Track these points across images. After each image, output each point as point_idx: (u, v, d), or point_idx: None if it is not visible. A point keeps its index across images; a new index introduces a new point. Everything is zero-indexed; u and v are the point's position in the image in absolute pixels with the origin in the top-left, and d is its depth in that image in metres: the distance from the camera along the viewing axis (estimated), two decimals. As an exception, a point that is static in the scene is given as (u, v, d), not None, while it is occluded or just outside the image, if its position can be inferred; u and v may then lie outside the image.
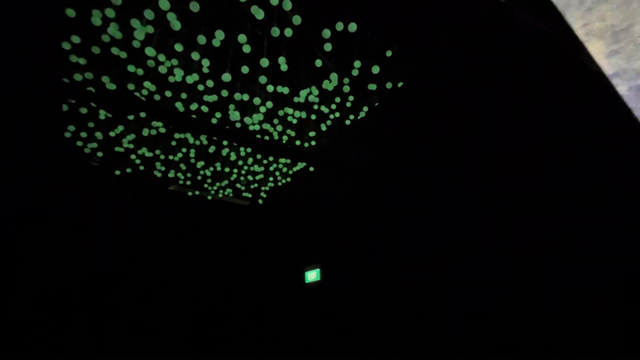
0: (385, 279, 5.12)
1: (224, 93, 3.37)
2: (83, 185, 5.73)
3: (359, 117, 4.84)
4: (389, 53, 3.71)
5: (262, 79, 3.05)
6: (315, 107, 4.58)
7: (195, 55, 2.85)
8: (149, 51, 2.80)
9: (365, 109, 4.65)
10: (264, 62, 2.76)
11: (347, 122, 4.90)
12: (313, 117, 4.63)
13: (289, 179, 6.18)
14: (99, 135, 4.51)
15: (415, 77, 4.36)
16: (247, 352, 6.29)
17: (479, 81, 4.12)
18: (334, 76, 3.13)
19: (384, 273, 5.19)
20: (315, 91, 3.84)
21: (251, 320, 6.67)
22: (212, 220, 6.99)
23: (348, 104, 4.60)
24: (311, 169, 5.71)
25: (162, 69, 3.04)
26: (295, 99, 4.18)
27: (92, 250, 5.81)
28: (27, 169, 5.08)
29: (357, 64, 3.31)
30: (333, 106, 4.58)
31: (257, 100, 3.03)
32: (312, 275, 5.87)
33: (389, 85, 4.03)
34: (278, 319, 6.75)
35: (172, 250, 6.55)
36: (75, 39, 3.13)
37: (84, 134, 4.56)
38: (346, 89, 3.76)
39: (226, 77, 2.79)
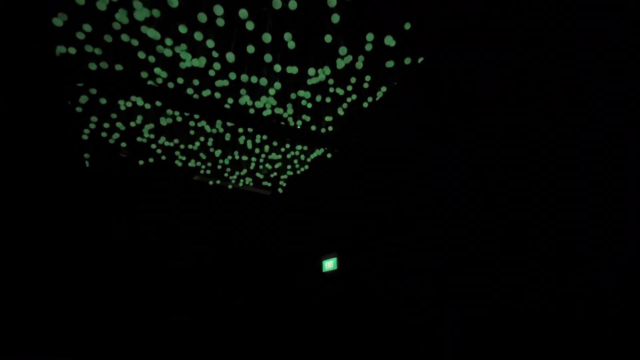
0: (405, 268, 4.88)
1: (232, 76, 3.27)
2: (112, 176, 6.01)
3: (377, 99, 4.55)
4: (407, 26, 3.40)
5: (268, 58, 2.90)
6: (331, 89, 4.37)
7: (198, 36, 2.76)
8: (152, 33, 2.75)
9: (384, 89, 4.36)
10: (266, 38, 2.61)
11: (365, 105, 4.64)
12: (328, 100, 4.43)
13: (306, 167, 6.05)
14: (120, 125, 4.64)
15: (439, 52, 3.99)
16: (264, 342, 6.35)
17: (515, 57, 3.63)
18: (343, 50, 2.90)
19: (403, 262, 4.95)
20: (327, 71, 3.62)
21: (268, 310, 6.73)
22: (232, 210, 7.08)
23: (365, 85, 4.34)
24: (329, 155, 5.53)
25: (168, 52, 2.99)
26: (309, 81, 3.99)
27: (123, 240, 6.13)
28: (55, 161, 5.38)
29: (370, 36, 3.05)
30: (349, 87, 4.34)
31: (263, 81, 2.89)
32: (330, 264, 5.75)
33: (407, 61, 3.72)
34: (295, 309, 6.75)
35: (195, 239, 6.74)
36: (87, 27, 3.16)
37: (106, 125, 4.71)
38: (359, 65, 3.50)
39: (230, 57, 2.68)
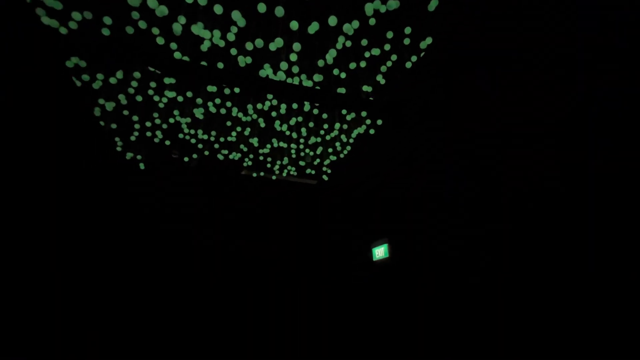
0: (462, 253, 4.10)
1: (249, 46, 2.96)
2: (164, 174, 6.29)
3: (421, 55, 3.84)
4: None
5: (279, 11, 2.49)
6: (367, 54, 3.81)
7: (202, 0, 2.50)
8: (160, 10, 2.56)
9: (429, 40, 3.64)
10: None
11: (409, 65, 3.96)
12: (363, 64, 3.87)
13: (349, 148, 5.55)
14: (158, 120, 4.72)
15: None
16: (314, 335, 6.05)
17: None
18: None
19: (459, 247, 4.17)
20: (356, 24, 3.08)
21: (317, 302, 6.41)
22: (278, 201, 6.93)
23: (406, 41, 3.68)
24: (372, 131, 4.95)
25: (177, 28, 2.79)
26: (339, 43, 3.49)
27: (175, 237, 6.42)
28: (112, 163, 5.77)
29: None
30: (387, 47, 3.72)
31: (279, 42, 2.51)
32: (380, 252, 5.18)
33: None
34: (345, 300, 6.32)
35: (241, 231, 6.76)
36: (107, 21, 3.14)
37: (148, 124, 4.85)
38: (393, 4, 2.88)
39: (236, 15, 2.36)
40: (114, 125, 4.89)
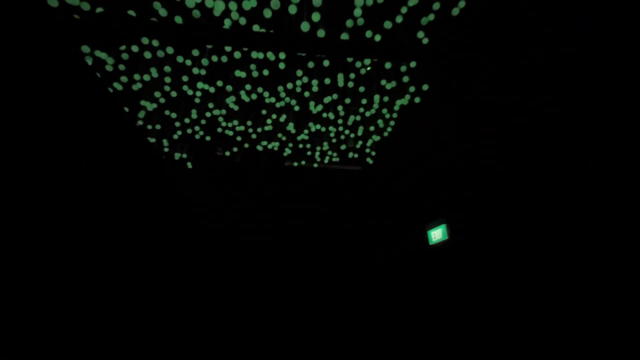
0: (532, 231, 3.50)
1: (267, 13, 2.69)
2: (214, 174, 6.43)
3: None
4: None
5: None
6: (404, 8, 3.30)
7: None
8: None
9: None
10: None
11: (456, 12, 3.34)
12: (404, 10, 3.36)
13: (392, 123, 5.02)
14: (194, 114, 4.75)
15: None
16: (367, 325, 5.62)
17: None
18: None
19: (530, 226, 3.48)
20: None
21: (371, 291, 5.97)
22: (322, 189, 6.65)
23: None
24: (417, 99, 4.37)
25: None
26: None
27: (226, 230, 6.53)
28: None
29: None
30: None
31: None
32: (437, 234, 4.56)
33: None
34: (401, 289, 5.77)
35: (292, 220, 6.62)
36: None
37: (187, 120, 4.92)
38: None
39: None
40: (158, 127, 5.07)
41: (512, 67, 3.61)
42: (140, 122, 5.02)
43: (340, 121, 5.06)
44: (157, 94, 4.18)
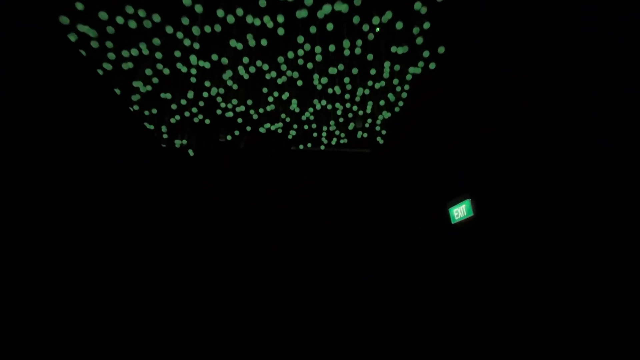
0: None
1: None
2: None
3: None
4: None
5: None
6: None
7: None
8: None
9: None
10: None
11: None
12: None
13: (404, 95, 4.61)
14: (190, 94, 4.44)
15: None
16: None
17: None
18: None
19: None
20: None
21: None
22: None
23: None
24: (432, 66, 3.95)
25: None
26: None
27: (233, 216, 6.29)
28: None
29: None
30: None
31: None
32: (461, 212, 4.18)
33: None
34: (422, 272, 5.43)
35: (305, 205, 6.36)
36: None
37: (183, 102, 4.62)
38: None
39: None
40: (154, 111, 4.78)
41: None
42: (135, 107, 4.75)
43: (347, 96, 4.67)
44: (148, 72, 3.88)
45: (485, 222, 4.06)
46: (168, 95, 4.35)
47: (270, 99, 4.62)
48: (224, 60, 3.72)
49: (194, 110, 4.75)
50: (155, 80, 4.16)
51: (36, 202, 3.75)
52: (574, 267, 3.08)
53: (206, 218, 6.43)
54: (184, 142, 5.56)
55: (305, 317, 5.10)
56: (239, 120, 5.08)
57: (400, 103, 4.85)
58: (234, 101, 4.55)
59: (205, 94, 4.51)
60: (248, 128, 5.34)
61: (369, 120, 5.37)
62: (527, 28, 3.13)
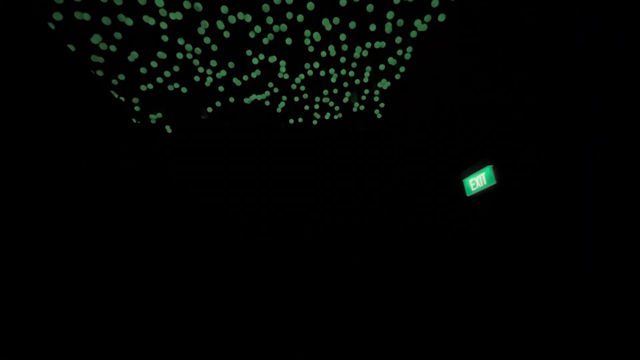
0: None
1: None
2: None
3: None
4: None
5: None
6: None
7: None
8: None
9: None
10: None
11: None
12: None
13: (408, 57, 4.09)
14: (161, 54, 3.83)
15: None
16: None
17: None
18: None
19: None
20: None
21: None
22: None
23: None
24: (442, 17, 3.43)
25: None
26: None
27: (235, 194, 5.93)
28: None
29: None
30: None
31: None
32: (478, 181, 3.74)
33: None
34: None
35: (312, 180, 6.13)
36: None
37: (154, 64, 4.01)
38: None
39: None
40: (122, 77, 4.16)
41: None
42: (99, 72, 4.11)
43: (343, 59, 4.13)
44: (106, 21, 3.24)
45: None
46: (135, 55, 3.73)
47: (255, 61, 4.04)
48: (198, 6, 3.12)
49: (167, 74, 4.13)
50: (117, 35, 3.53)
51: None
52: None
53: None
54: (159, 115, 4.95)
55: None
56: (220, 88, 4.49)
57: (402, 69, 4.33)
58: (213, 63, 3.96)
59: (179, 55, 3.90)
60: (231, 99, 4.76)
61: (367, 92, 4.85)
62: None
